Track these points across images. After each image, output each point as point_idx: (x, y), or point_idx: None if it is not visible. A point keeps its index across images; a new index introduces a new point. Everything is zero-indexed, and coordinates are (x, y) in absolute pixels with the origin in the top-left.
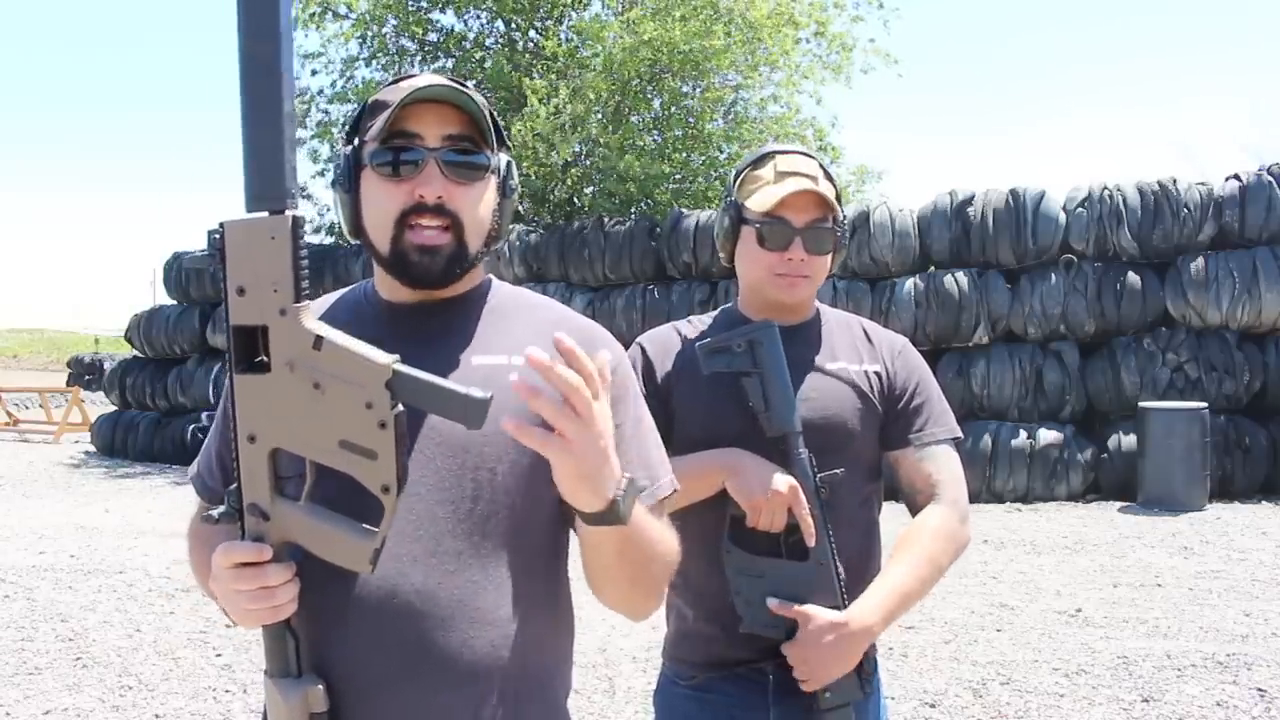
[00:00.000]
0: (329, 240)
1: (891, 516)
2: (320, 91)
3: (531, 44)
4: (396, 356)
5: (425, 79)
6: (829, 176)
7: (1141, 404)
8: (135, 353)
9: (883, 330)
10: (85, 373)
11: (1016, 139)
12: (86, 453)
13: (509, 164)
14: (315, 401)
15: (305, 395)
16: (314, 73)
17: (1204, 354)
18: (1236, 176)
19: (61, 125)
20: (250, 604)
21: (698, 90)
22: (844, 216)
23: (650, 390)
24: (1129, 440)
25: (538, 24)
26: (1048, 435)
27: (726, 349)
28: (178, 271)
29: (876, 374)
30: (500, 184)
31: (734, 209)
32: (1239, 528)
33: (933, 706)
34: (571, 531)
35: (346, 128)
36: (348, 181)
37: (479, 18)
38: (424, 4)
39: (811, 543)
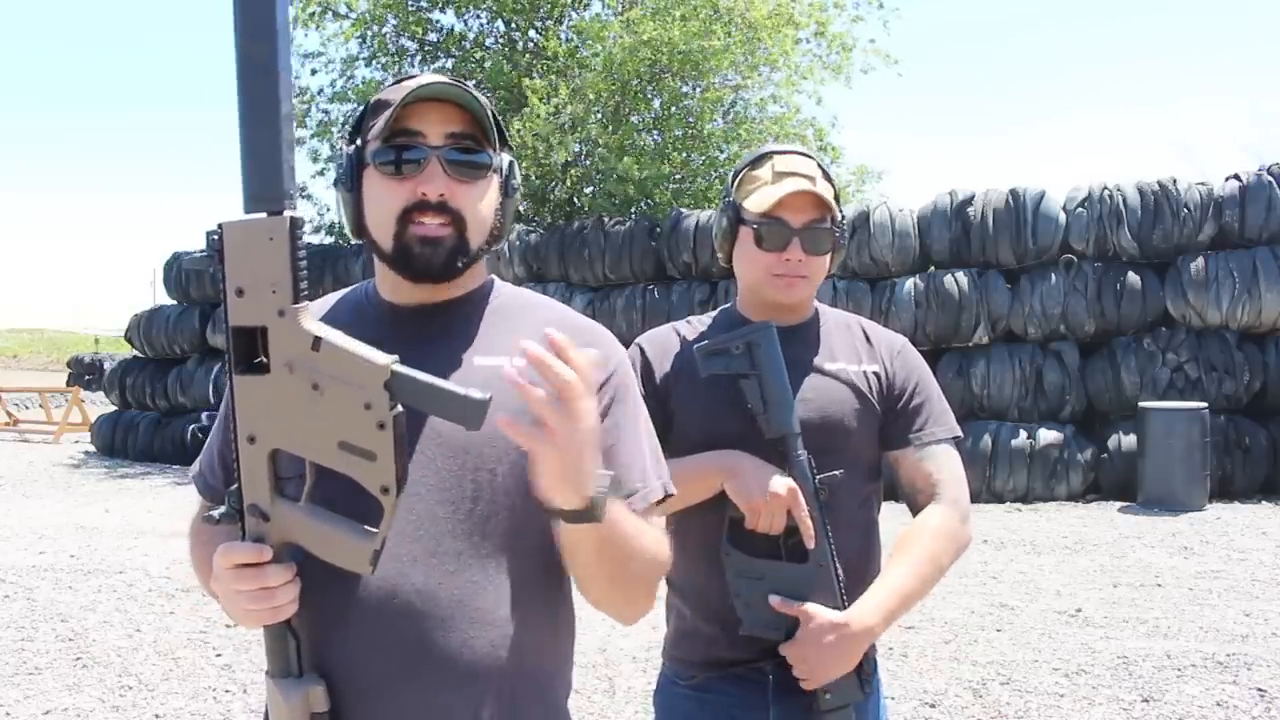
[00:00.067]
0: (329, 240)
1: (892, 516)
2: (320, 91)
3: (531, 44)
4: (395, 357)
5: (427, 78)
6: (827, 176)
7: (1141, 404)
8: (135, 353)
9: (882, 330)
10: (85, 373)
11: (1016, 139)
12: (86, 453)
13: (511, 164)
14: (314, 402)
15: (304, 396)
16: (314, 72)
17: (1204, 354)
18: (1236, 176)
19: (61, 125)
20: (251, 604)
21: (697, 90)
22: (842, 217)
23: (649, 391)
24: (1129, 440)
25: (538, 24)
26: (1048, 435)
27: (725, 351)
28: (178, 271)
29: (875, 374)
30: (502, 183)
31: (732, 209)
32: (1239, 528)
33: (933, 706)
34: None
35: (349, 127)
36: (350, 180)
37: (479, 18)
38: (424, 4)
39: (811, 545)
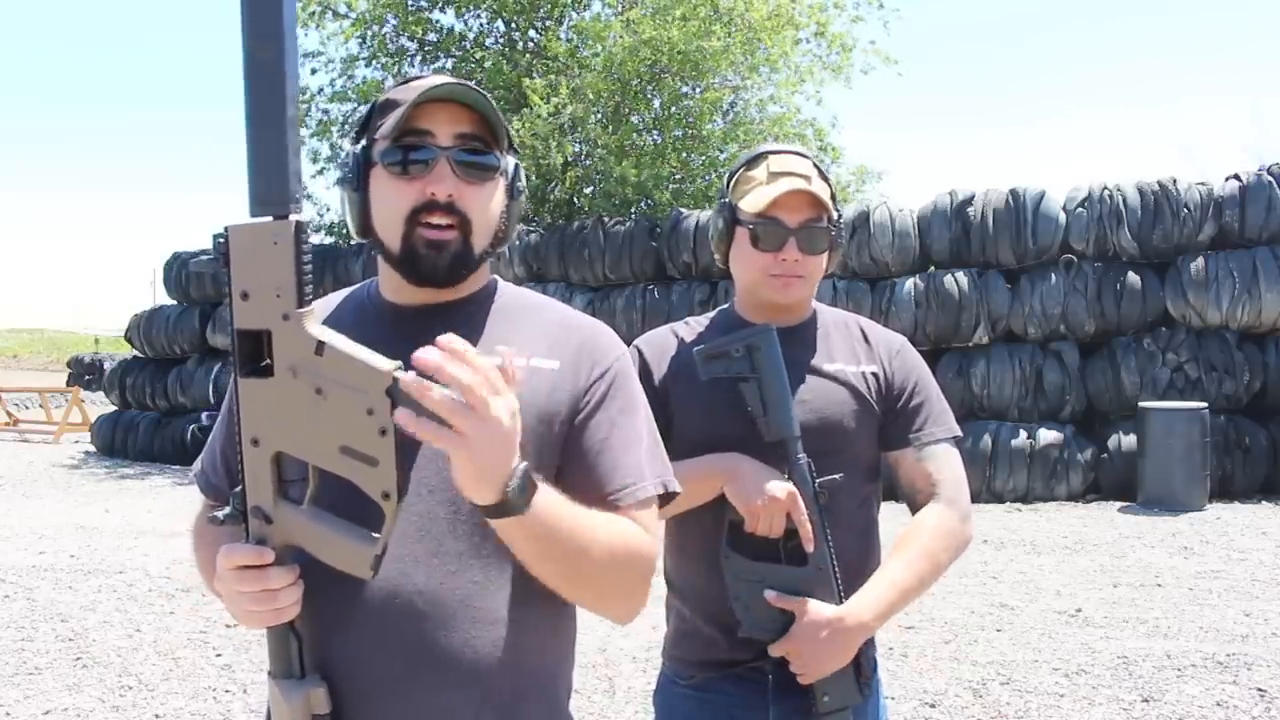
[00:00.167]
0: (329, 240)
1: (892, 516)
2: (320, 90)
3: (531, 44)
4: (398, 363)
5: (438, 79)
6: (824, 176)
7: (1141, 404)
8: (135, 353)
9: (881, 330)
10: (85, 373)
11: (1016, 139)
12: (86, 453)
13: (517, 166)
14: (317, 407)
15: (307, 400)
16: (314, 71)
17: (1204, 354)
18: (1236, 176)
19: (61, 125)
20: (253, 605)
21: (697, 91)
22: (839, 216)
23: (648, 393)
24: (1129, 440)
25: (537, 24)
26: (1048, 435)
27: (725, 354)
28: (178, 272)
29: (874, 375)
30: (508, 186)
31: (728, 210)
32: (1239, 528)
33: (933, 706)
34: None
35: (355, 126)
36: (356, 180)
37: (479, 18)
38: (424, 3)
39: (810, 548)
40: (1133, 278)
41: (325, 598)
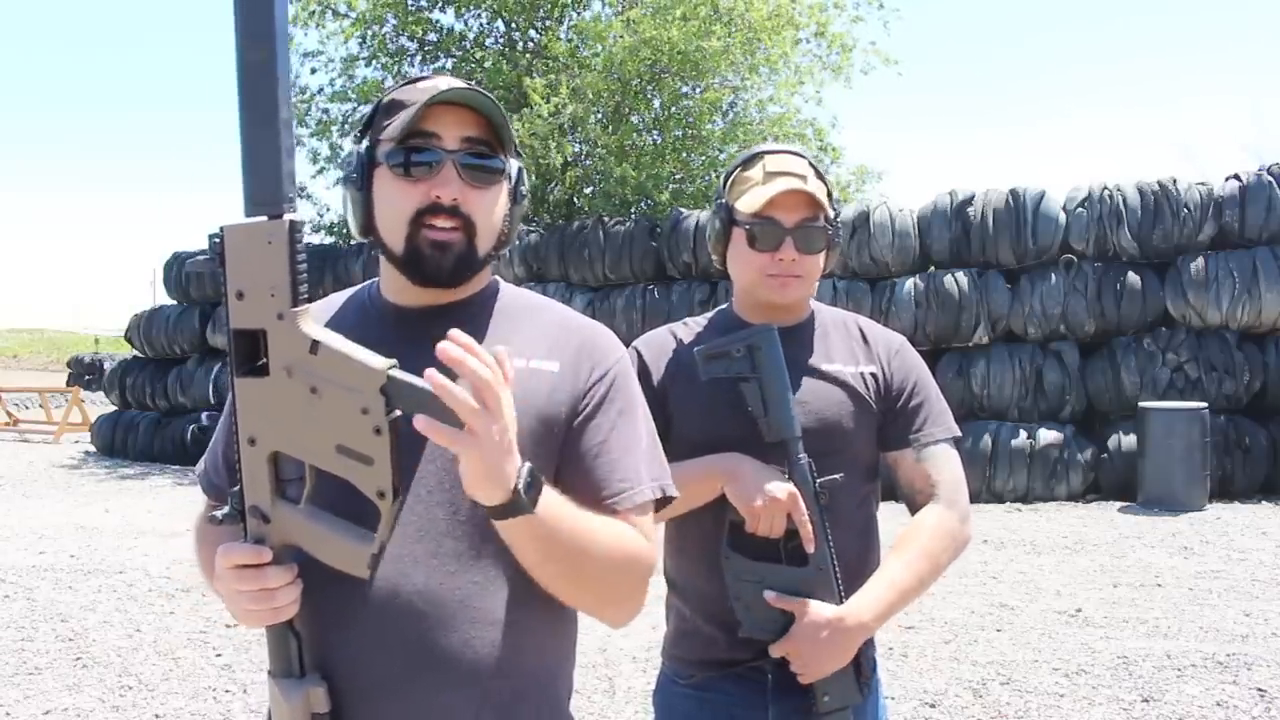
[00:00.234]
0: (329, 240)
1: (892, 516)
2: (320, 90)
3: (531, 44)
4: (393, 362)
5: (445, 81)
6: (820, 175)
7: (1141, 404)
8: (135, 353)
9: (880, 329)
10: (85, 373)
11: (1016, 139)
12: (86, 453)
13: (520, 170)
14: (312, 406)
15: (303, 400)
16: (313, 71)
17: (1204, 354)
18: (1236, 176)
19: (61, 125)
20: (251, 605)
21: (697, 91)
22: (836, 215)
23: (646, 394)
24: (1129, 440)
25: (537, 24)
26: (1048, 435)
27: (725, 354)
28: (178, 272)
29: (873, 375)
30: (512, 190)
31: (724, 211)
32: (1239, 528)
33: (933, 706)
34: None
35: (359, 125)
36: (360, 179)
37: (479, 17)
38: (424, 3)
39: (811, 549)
40: (1133, 278)
41: (324, 597)
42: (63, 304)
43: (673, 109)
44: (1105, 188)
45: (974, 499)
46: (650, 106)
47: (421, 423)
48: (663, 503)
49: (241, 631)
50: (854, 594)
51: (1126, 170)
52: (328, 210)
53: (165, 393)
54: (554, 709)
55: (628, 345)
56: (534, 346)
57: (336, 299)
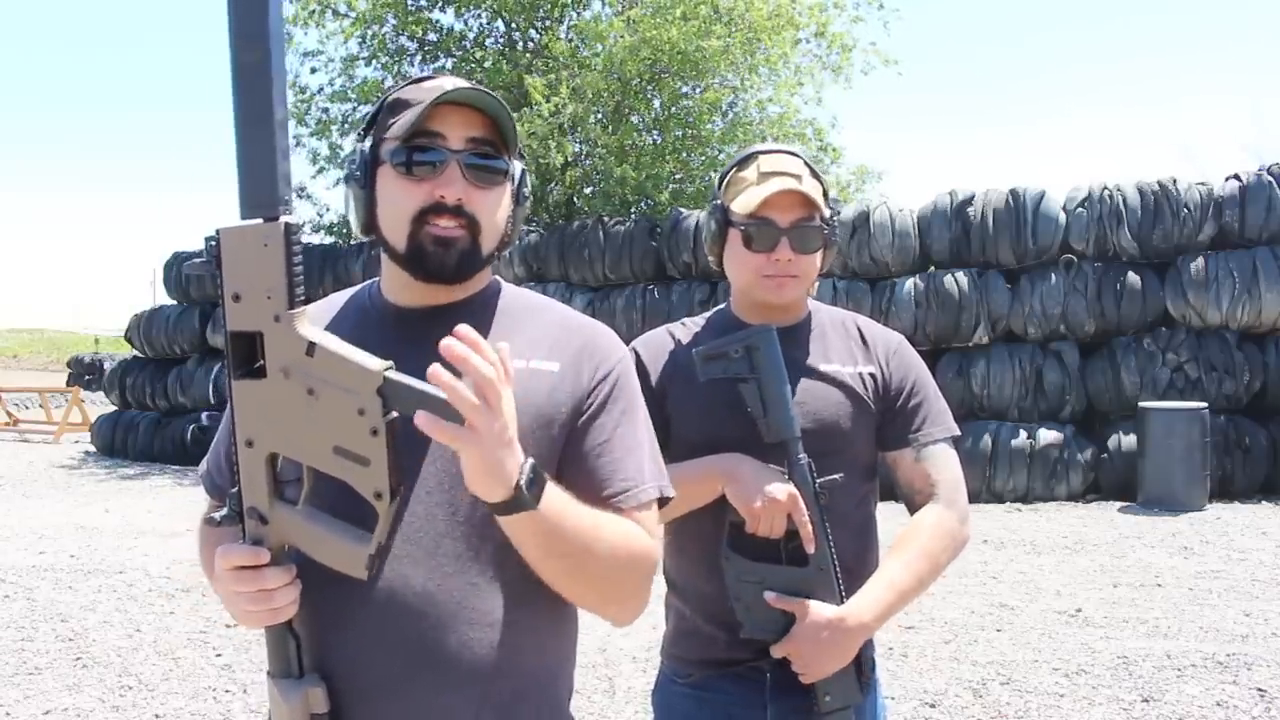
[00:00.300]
0: (329, 240)
1: (891, 516)
2: (319, 90)
3: (532, 43)
4: (389, 363)
5: (451, 81)
6: (815, 174)
7: (1141, 404)
8: (135, 353)
9: (878, 328)
10: (85, 373)
11: (1016, 139)
12: (86, 453)
13: (523, 172)
14: (309, 407)
15: (300, 401)
16: (313, 71)
17: (1204, 354)
18: (1236, 176)
19: (61, 125)
20: (250, 605)
21: (697, 91)
22: (833, 214)
23: (645, 394)
24: (1129, 440)
25: (537, 24)
26: (1048, 435)
27: (724, 355)
28: (178, 272)
29: (871, 375)
30: (515, 191)
31: (719, 212)
32: (1239, 528)
33: (933, 706)
34: None
35: (363, 123)
36: (364, 178)
37: (479, 17)
38: (423, 3)
39: (811, 549)
40: (1133, 278)
41: (323, 598)
42: (63, 304)
43: (673, 109)
44: (1105, 188)
45: (974, 499)
46: (650, 106)
47: (422, 419)
48: (661, 504)
49: (241, 631)
50: (854, 594)
51: (1126, 170)
52: (328, 210)
53: (165, 393)
54: (554, 709)
55: (627, 345)
56: (535, 347)
57: (337, 299)
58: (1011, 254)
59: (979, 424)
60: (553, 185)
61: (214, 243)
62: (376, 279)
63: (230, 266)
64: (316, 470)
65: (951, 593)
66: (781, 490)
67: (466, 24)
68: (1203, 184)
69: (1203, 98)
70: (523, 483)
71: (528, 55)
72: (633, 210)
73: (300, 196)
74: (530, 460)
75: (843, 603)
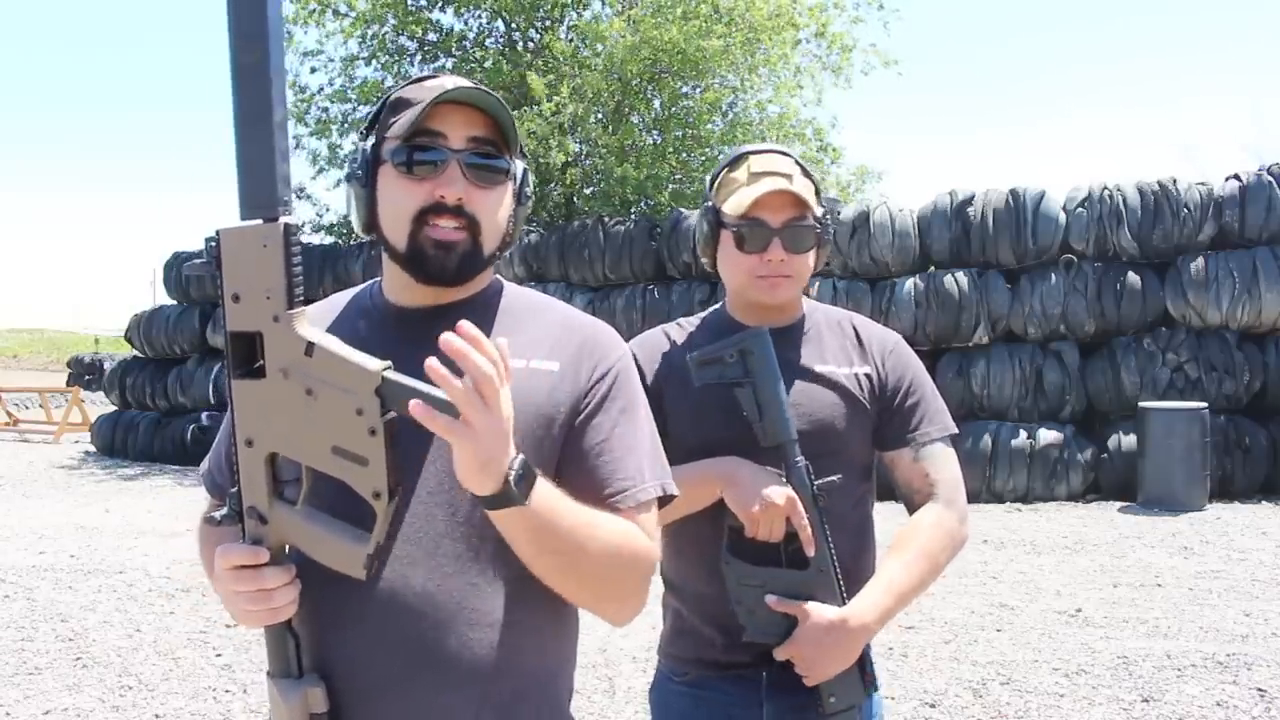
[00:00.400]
0: (329, 240)
1: (890, 516)
2: (319, 90)
3: (532, 43)
4: (387, 364)
5: (452, 80)
6: (807, 173)
7: (1141, 404)
8: (135, 353)
9: (874, 327)
10: (85, 373)
11: (1016, 139)
12: (86, 453)
13: (525, 171)
14: (308, 407)
15: (299, 401)
16: (313, 70)
17: (1204, 354)
18: (1236, 176)
19: (61, 125)
20: (249, 605)
21: (697, 91)
22: (825, 212)
23: None
24: (1129, 440)
25: (537, 24)
26: (1048, 435)
27: (718, 360)
28: (178, 272)
29: (867, 376)
30: (516, 190)
31: (711, 213)
32: (1239, 528)
33: (933, 706)
34: None
35: (365, 122)
36: (365, 176)
37: (479, 17)
38: (423, 3)
39: (811, 552)
40: (1133, 278)
41: (323, 597)
42: (63, 304)
43: (673, 109)
44: (1105, 188)
45: (974, 499)
46: (650, 106)
47: (418, 408)
48: (663, 501)
49: (241, 631)
50: (854, 595)
51: (1126, 170)
52: (328, 210)
53: (165, 393)
54: (554, 709)
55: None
56: (536, 346)
57: (339, 299)
58: (1011, 254)
59: (979, 424)
60: (553, 185)
61: (214, 243)
62: (378, 279)
63: (230, 267)
64: (316, 470)
65: (951, 593)
66: (780, 494)
67: (466, 24)
68: (1203, 184)
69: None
70: (512, 477)
71: (528, 55)
72: (633, 210)
73: (300, 197)
74: (521, 456)
75: (844, 604)
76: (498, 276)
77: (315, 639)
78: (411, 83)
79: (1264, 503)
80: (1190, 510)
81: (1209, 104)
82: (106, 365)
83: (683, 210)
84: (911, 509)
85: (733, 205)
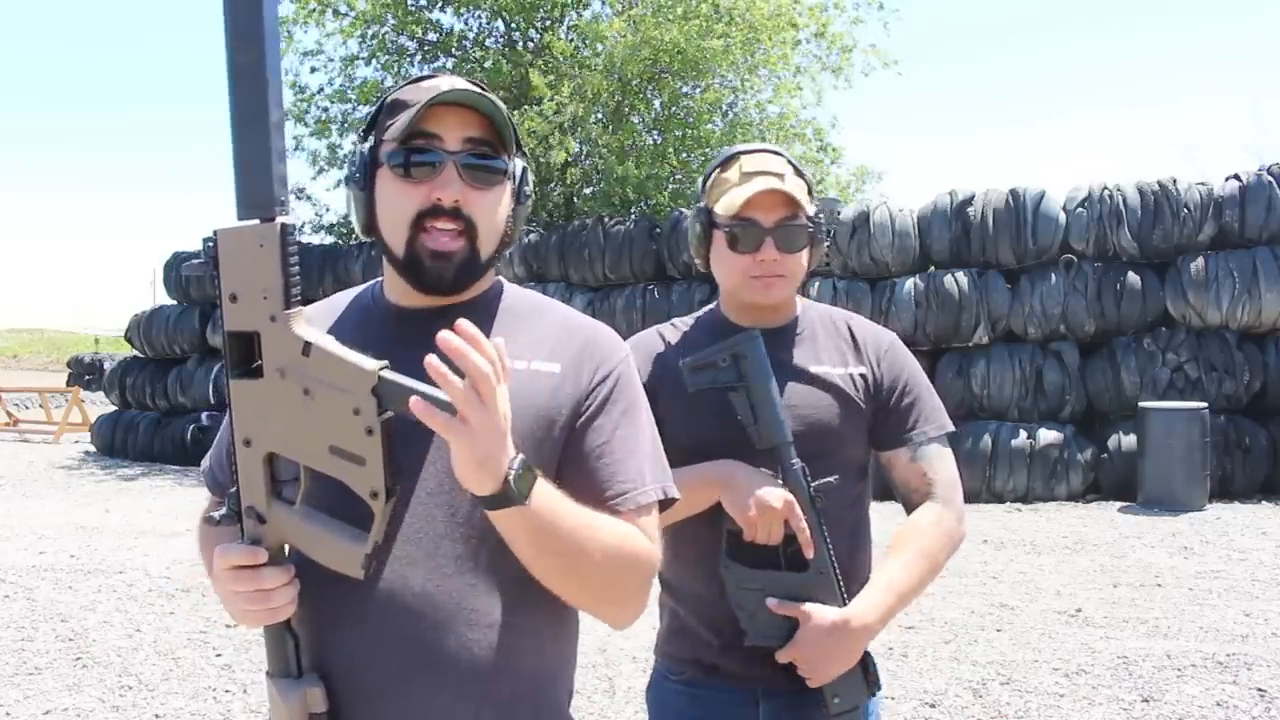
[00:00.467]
0: (329, 240)
1: (889, 516)
2: (319, 90)
3: (532, 43)
4: (384, 363)
5: (448, 81)
6: (799, 172)
7: (1141, 404)
8: (135, 353)
9: (870, 327)
10: (85, 373)
11: (1016, 139)
12: (86, 453)
13: (524, 170)
14: (305, 407)
15: (296, 401)
16: (313, 70)
17: (1204, 354)
18: (1236, 176)
19: (61, 125)
20: (248, 605)
21: (697, 91)
22: (818, 211)
23: None
24: (1129, 440)
25: (537, 24)
26: (1048, 435)
27: (711, 364)
28: (177, 272)
29: (862, 376)
30: (515, 190)
31: (704, 214)
32: (1239, 528)
33: (933, 706)
34: None
35: (362, 124)
36: (363, 179)
37: (479, 17)
38: (423, 3)
39: (810, 554)
40: (1133, 278)
41: (322, 597)
42: (63, 304)
43: (673, 109)
44: (1105, 188)
45: (974, 499)
46: (650, 106)
47: (417, 404)
48: (664, 504)
49: (241, 631)
50: (853, 596)
51: (1126, 170)
52: (327, 210)
53: (165, 393)
54: (553, 710)
55: None
56: (537, 348)
57: (340, 299)
58: (1011, 254)
59: (979, 424)
60: (553, 185)
61: (211, 243)
62: (379, 279)
63: (227, 267)
64: (314, 470)
65: (951, 593)
66: (777, 497)
67: (466, 24)
68: (1203, 184)
69: (1203, 98)
70: (511, 477)
71: (528, 55)
72: (633, 210)
73: (300, 197)
74: (520, 455)
75: (845, 605)
76: (499, 278)
77: (314, 639)
78: (409, 83)
79: (1264, 503)
80: (1190, 510)
81: (1209, 104)
82: (106, 365)
83: (683, 210)
84: (909, 508)
85: (725, 205)
